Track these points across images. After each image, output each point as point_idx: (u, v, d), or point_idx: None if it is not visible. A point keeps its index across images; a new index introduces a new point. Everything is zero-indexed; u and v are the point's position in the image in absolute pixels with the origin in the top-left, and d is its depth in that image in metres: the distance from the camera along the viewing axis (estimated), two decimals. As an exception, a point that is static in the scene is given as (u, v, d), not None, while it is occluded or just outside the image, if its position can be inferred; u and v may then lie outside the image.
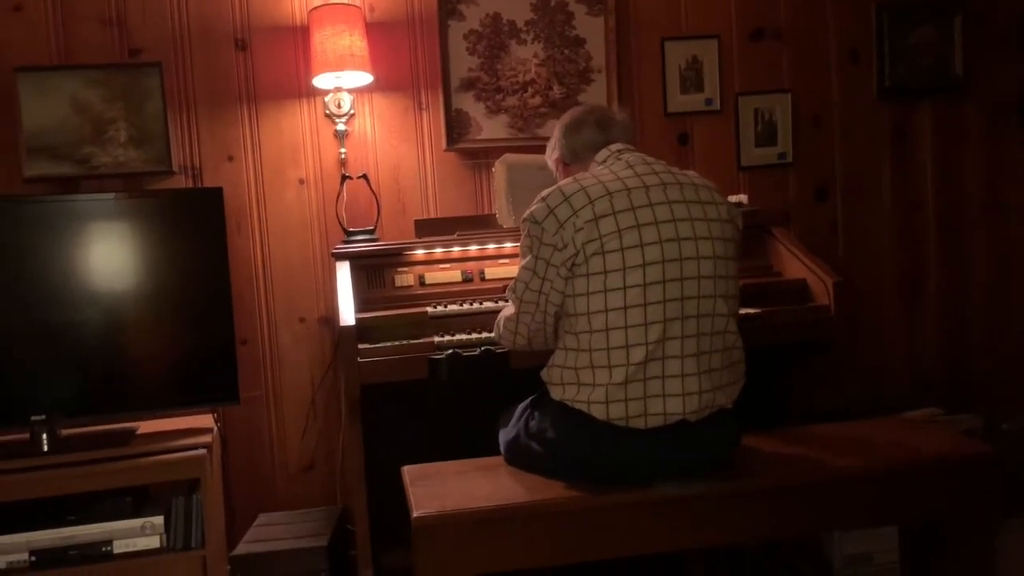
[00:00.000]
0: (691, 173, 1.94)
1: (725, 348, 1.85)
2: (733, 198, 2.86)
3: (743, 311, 2.44)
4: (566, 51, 3.03)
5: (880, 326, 3.26)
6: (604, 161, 1.96)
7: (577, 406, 1.82)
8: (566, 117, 2.09)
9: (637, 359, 1.77)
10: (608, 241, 1.77)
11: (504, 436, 2.04)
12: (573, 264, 1.80)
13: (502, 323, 2.02)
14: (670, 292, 1.78)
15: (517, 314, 1.93)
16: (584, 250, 1.78)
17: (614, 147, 1.97)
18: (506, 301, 2.04)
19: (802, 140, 3.19)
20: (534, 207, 1.86)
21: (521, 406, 2.03)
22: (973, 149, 3.30)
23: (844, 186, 3.24)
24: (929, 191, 3.29)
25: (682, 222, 1.81)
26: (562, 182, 1.90)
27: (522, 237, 1.90)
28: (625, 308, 1.77)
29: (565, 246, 1.80)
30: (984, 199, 3.31)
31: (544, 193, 1.87)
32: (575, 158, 2.04)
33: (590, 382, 1.80)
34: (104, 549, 2.34)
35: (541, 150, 2.83)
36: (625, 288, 1.77)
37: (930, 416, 2.90)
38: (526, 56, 3.02)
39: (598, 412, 1.79)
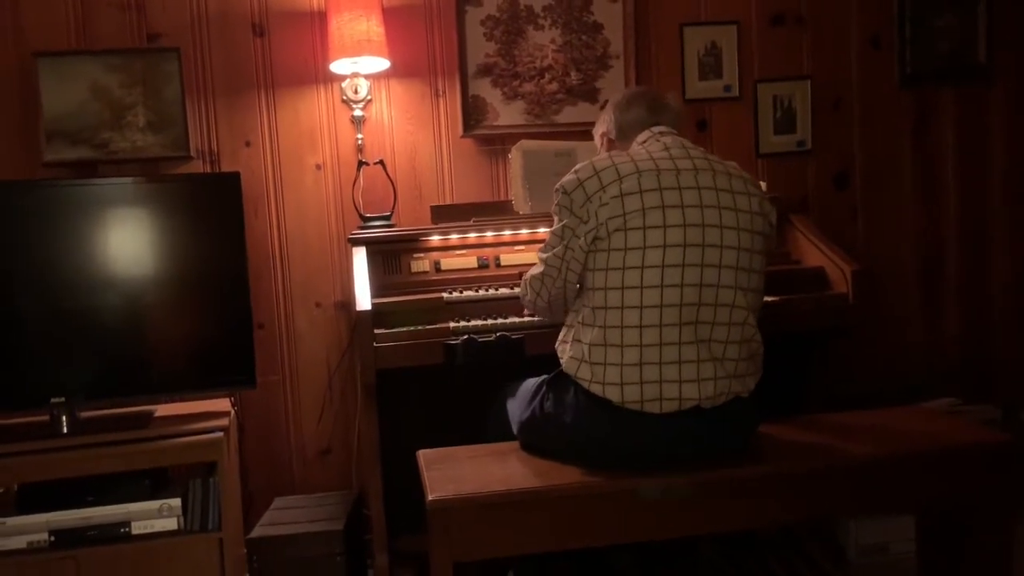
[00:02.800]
0: (731, 163, 1.93)
1: (743, 340, 1.84)
2: (751, 185, 2.85)
3: (760, 299, 2.43)
4: (584, 37, 3.02)
5: (900, 314, 3.23)
6: (644, 142, 1.97)
7: (592, 389, 1.81)
8: (619, 95, 2.12)
9: (650, 340, 1.77)
10: (631, 219, 1.78)
11: (516, 414, 2.04)
12: (595, 238, 1.80)
13: (528, 282, 2.02)
14: (688, 277, 1.77)
15: (542, 274, 1.94)
16: (607, 225, 1.79)
17: (656, 129, 1.98)
18: (520, 287, 2.06)
19: (821, 127, 3.16)
20: (566, 179, 1.88)
21: (534, 383, 2.03)
22: (996, 136, 3.25)
23: (864, 173, 3.21)
24: (951, 179, 3.25)
25: (709, 209, 1.80)
26: (595, 157, 1.92)
27: (553, 205, 1.91)
28: (642, 288, 1.77)
29: (589, 219, 1.81)
30: (1007, 187, 3.27)
31: (577, 166, 1.89)
32: (621, 135, 2.06)
33: (602, 361, 1.80)
34: (122, 530, 2.36)
35: (558, 136, 2.86)
36: (643, 267, 1.77)
37: (948, 406, 2.87)
38: (543, 42, 3.00)
39: (613, 395, 1.79)
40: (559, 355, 1.92)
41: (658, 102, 2.04)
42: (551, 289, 1.92)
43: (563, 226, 1.86)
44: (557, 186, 1.89)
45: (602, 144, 2.13)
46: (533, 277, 1.99)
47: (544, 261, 1.92)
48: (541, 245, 1.98)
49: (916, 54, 3.17)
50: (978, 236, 3.27)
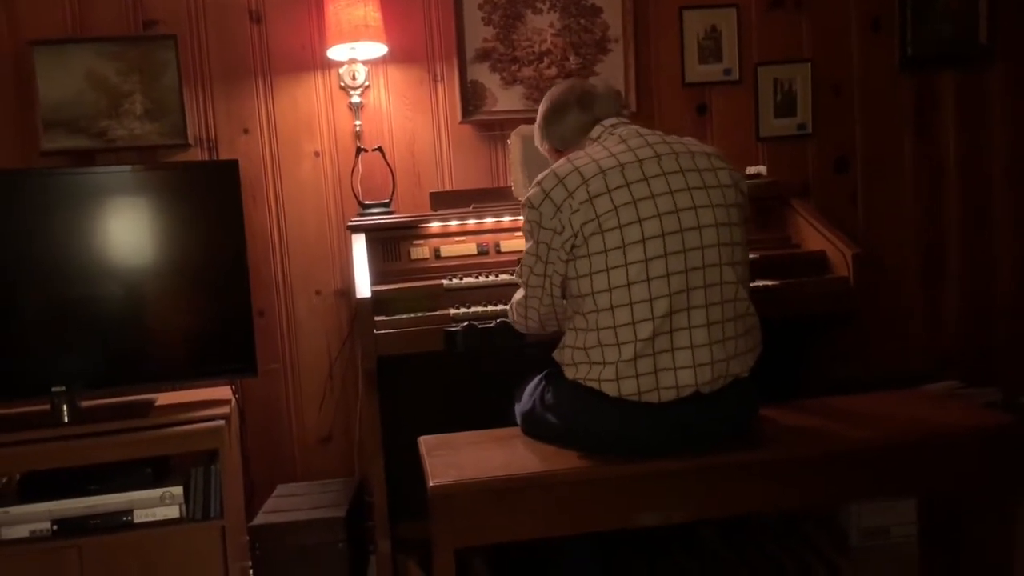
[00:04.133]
0: (688, 140, 1.91)
1: (737, 316, 1.83)
2: (752, 169, 2.84)
3: (762, 283, 2.43)
4: (582, 20, 3.00)
5: (901, 299, 3.22)
6: (598, 138, 1.94)
7: (589, 384, 1.81)
8: (545, 103, 2.06)
9: (644, 335, 1.76)
10: (605, 220, 1.76)
11: (520, 409, 2.05)
12: (573, 246, 1.79)
13: (514, 307, 2.03)
14: (673, 265, 1.76)
15: (526, 298, 1.94)
16: (582, 231, 1.77)
17: (607, 122, 1.95)
18: (508, 312, 2.06)
19: (822, 111, 3.15)
20: (530, 192, 1.86)
21: (535, 379, 2.03)
22: (997, 120, 3.24)
23: (864, 157, 3.20)
24: (952, 162, 3.24)
25: (679, 193, 1.79)
26: (556, 164, 1.88)
27: (523, 222, 1.89)
28: (628, 285, 1.76)
29: (563, 229, 1.79)
30: (1008, 171, 3.25)
31: (539, 177, 1.86)
32: (565, 144, 2.01)
33: (600, 360, 1.80)
34: (124, 518, 2.36)
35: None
36: (627, 265, 1.76)
37: (949, 389, 2.87)
38: (542, 26, 2.98)
39: (609, 389, 1.79)
40: (558, 362, 1.91)
41: (587, 96, 1.99)
42: (539, 308, 1.92)
43: (536, 243, 1.85)
44: (523, 200, 1.87)
45: (551, 157, 2.07)
46: (517, 303, 1.99)
47: (525, 284, 1.91)
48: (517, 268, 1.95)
49: (917, 37, 3.15)
50: (979, 219, 3.26)
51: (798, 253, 2.64)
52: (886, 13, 3.16)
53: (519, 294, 1.98)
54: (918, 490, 2.14)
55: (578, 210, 1.77)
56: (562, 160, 1.88)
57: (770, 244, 2.67)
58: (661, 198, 1.78)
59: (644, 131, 1.91)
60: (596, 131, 1.95)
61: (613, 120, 1.96)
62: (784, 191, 2.82)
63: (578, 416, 1.85)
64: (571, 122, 1.99)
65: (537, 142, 2.13)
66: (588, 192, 1.78)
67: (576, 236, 1.78)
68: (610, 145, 1.87)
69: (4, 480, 2.52)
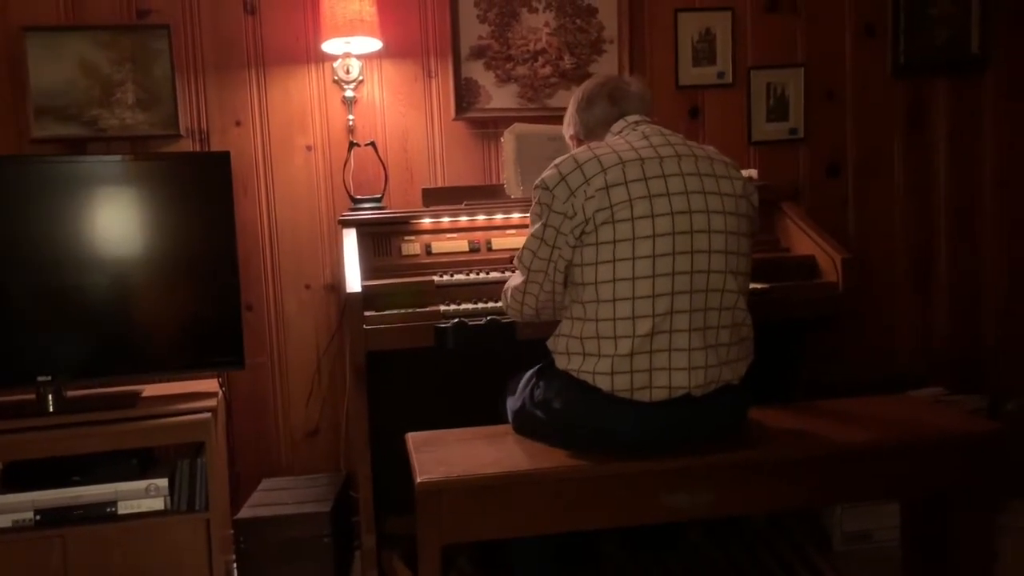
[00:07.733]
0: (709, 148, 1.93)
1: (733, 324, 1.84)
2: (743, 173, 2.84)
3: (750, 286, 2.43)
4: (578, 20, 3.00)
5: (889, 304, 3.24)
6: (620, 132, 1.94)
7: (582, 376, 1.81)
8: (579, 92, 2.07)
9: (643, 331, 1.76)
10: (619, 210, 1.76)
11: (511, 405, 2.04)
12: (582, 232, 1.78)
13: (509, 293, 2.00)
14: (679, 265, 1.77)
15: (525, 283, 1.92)
16: (594, 218, 1.77)
17: (631, 118, 1.95)
18: (513, 271, 2.03)
19: (814, 116, 3.16)
20: (546, 174, 1.85)
21: (527, 375, 2.03)
22: (988, 128, 3.25)
23: (856, 163, 3.21)
24: (942, 169, 3.25)
25: (695, 195, 1.80)
26: (575, 150, 1.89)
27: (532, 204, 1.88)
28: (633, 279, 1.76)
29: (575, 214, 1.78)
30: (998, 179, 3.27)
31: (557, 160, 1.86)
32: (589, 134, 2.02)
33: (595, 352, 1.79)
34: (108, 509, 2.36)
35: (551, 120, 2.84)
36: (634, 258, 1.76)
37: (934, 395, 2.89)
38: (537, 25, 2.98)
39: (603, 383, 1.79)
40: (551, 351, 1.90)
41: (619, 91, 1.99)
42: (538, 295, 1.89)
43: (544, 226, 1.83)
44: (537, 182, 1.86)
45: (573, 145, 2.07)
46: (515, 288, 1.96)
47: (528, 268, 1.89)
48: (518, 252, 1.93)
49: (910, 43, 3.17)
50: (969, 227, 3.28)
51: (787, 257, 2.65)
52: (880, 19, 3.17)
53: (516, 279, 1.96)
54: (903, 494, 2.15)
55: (593, 196, 1.77)
56: (582, 148, 1.89)
57: (759, 247, 2.65)
58: (676, 197, 1.78)
59: (667, 132, 1.91)
60: (618, 125, 1.95)
61: (637, 117, 1.95)
62: (775, 194, 2.82)
63: (566, 408, 1.85)
64: (598, 112, 1.99)
65: (564, 129, 2.12)
66: (606, 180, 1.77)
67: (587, 223, 1.77)
68: (632, 139, 1.88)
69: (-13, 469, 2.51)
